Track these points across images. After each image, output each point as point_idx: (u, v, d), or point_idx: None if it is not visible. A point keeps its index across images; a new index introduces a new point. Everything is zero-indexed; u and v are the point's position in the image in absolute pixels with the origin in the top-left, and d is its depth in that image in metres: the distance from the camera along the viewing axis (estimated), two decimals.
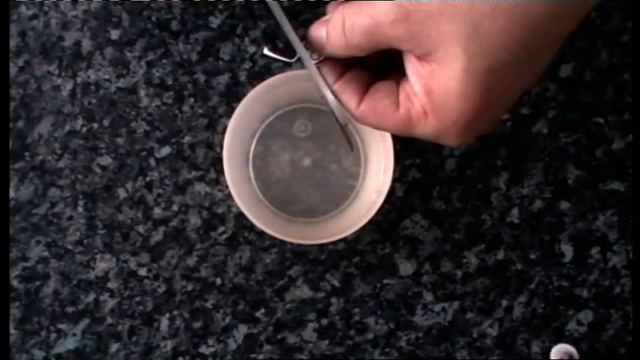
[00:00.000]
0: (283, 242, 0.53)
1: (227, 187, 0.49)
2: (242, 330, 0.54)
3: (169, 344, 0.54)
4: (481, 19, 0.29)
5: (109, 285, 0.54)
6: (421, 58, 0.31)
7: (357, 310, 0.54)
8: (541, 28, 0.30)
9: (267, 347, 0.54)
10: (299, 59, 0.36)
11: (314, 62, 0.35)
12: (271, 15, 0.36)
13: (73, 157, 0.54)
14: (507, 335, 0.54)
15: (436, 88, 0.31)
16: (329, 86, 0.36)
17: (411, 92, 0.33)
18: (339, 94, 0.35)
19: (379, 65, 0.36)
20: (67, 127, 0.54)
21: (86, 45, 0.54)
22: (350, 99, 0.35)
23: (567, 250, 0.54)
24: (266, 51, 0.38)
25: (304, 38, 0.35)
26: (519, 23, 0.29)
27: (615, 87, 0.54)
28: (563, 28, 0.31)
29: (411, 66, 0.32)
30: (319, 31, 0.34)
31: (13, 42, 0.54)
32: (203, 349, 0.54)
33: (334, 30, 0.33)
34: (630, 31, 0.54)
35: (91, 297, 0.54)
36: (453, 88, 0.31)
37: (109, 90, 0.54)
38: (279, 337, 0.54)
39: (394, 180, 0.52)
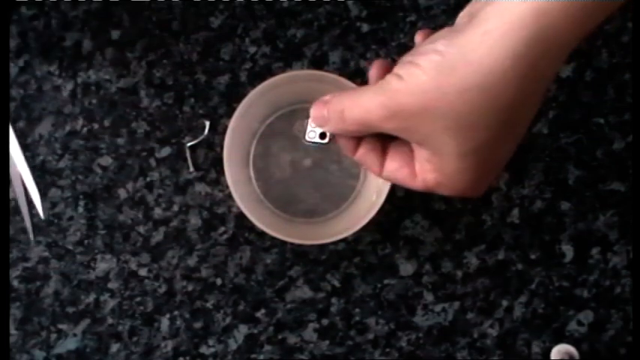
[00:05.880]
0: (284, 242, 0.53)
1: (227, 187, 0.49)
2: (242, 330, 0.54)
3: (170, 344, 0.54)
4: (460, 114, 0.32)
5: (110, 285, 0.54)
6: (418, 144, 0.35)
7: (357, 310, 0.54)
8: (513, 108, 0.32)
9: (267, 347, 0.54)
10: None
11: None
12: None
13: (73, 158, 0.54)
14: (508, 335, 0.54)
15: (438, 169, 0.35)
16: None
17: (424, 166, 0.36)
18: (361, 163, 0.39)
19: None
20: (68, 128, 0.54)
21: (86, 45, 0.54)
22: (371, 168, 0.39)
23: (568, 251, 0.54)
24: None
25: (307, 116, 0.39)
26: (495, 109, 0.32)
27: (615, 87, 0.54)
28: (536, 97, 0.33)
29: (415, 147, 0.36)
30: (320, 112, 0.38)
31: (14, 42, 0.54)
32: (203, 350, 0.54)
33: (334, 116, 0.37)
34: (630, 31, 0.54)
35: (92, 297, 0.54)
36: (451, 168, 0.34)
37: (109, 90, 0.54)
38: (279, 337, 0.54)
39: None
